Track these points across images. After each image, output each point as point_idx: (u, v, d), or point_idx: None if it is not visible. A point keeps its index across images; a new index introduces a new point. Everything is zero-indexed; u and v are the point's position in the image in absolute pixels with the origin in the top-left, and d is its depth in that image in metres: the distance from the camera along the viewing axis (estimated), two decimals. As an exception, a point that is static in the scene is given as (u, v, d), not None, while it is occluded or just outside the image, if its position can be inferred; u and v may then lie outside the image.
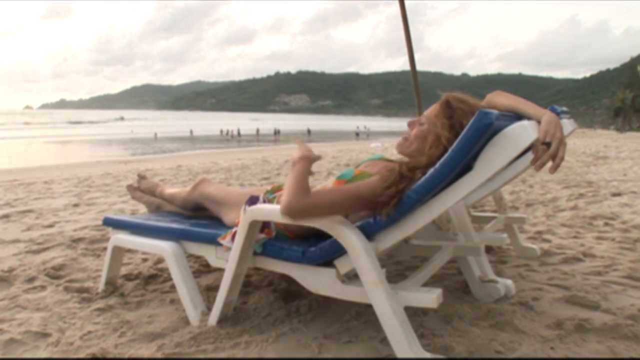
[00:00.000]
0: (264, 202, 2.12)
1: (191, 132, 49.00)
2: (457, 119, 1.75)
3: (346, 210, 1.76)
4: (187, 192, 2.77)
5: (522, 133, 1.52)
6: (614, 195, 5.54)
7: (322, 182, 2.19)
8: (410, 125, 1.95)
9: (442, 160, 1.58)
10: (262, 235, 2.03)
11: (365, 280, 1.69)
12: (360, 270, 1.69)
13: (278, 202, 2.16)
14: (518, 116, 1.84)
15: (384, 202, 1.67)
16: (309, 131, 51.26)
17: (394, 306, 1.66)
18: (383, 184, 1.70)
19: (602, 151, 13.63)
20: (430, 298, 1.67)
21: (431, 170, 1.61)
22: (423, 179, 1.63)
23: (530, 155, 2.37)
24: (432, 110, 1.89)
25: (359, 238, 1.69)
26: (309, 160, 1.89)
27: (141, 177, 3.22)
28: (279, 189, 2.28)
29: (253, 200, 2.08)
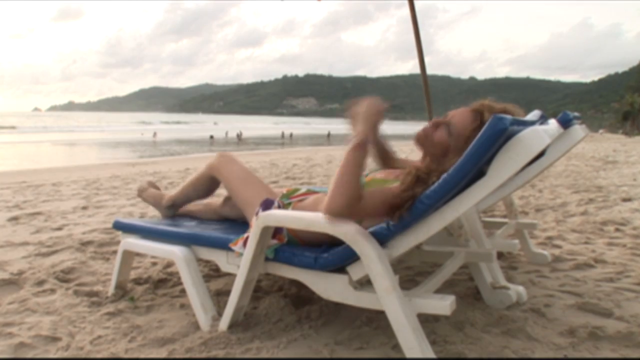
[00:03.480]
0: (279, 207, 2.11)
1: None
2: None
3: (378, 214, 1.73)
4: (205, 168, 2.62)
5: (536, 138, 1.50)
6: (625, 200, 5.50)
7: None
8: (435, 125, 1.87)
9: (455, 166, 1.57)
10: (274, 241, 2.02)
11: (378, 287, 1.68)
12: (373, 277, 1.68)
13: (294, 208, 2.15)
14: (532, 121, 1.83)
15: (398, 205, 1.66)
16: (329, 134, 50.43)
17: (407, 313, 1.65)
18: (401, 187, 1.69)
19: (611, 155, 13.56)
20: (444, 305, 1.65)
21: (444, 176, 1.60)
22: (436, 184, 1.62)
23: (543, 161, 2.37)
24: (463, 122, 1.81)
25: (373, 245, 1.68)
26: (365, 148, 1.73)
27: (151, 185, 3.12)
28: (294, 193, 2.27)
29: (267, 205, 2.07)
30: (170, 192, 2.88)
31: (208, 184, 2.67)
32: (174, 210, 2.90)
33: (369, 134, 1.75)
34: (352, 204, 1.66)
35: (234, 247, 2.09)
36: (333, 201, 1.66)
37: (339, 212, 1.67)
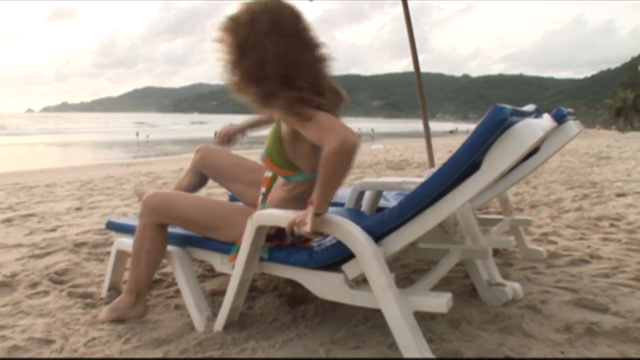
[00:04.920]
0: None
1: None
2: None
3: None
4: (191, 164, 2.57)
5: (529, 131, 1.50)
6: (619, 195, 5.52)
7: None
8: None
9: (452, 156, 1.57)
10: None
11: (374, 286, 1.67)
12: (369, 275, 1.67)
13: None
14: (529, 112, 1.83)
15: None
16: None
17: (403, 311, 1.64)
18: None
19: (604, 151, 13.60)
20: (440, 303, 1.65)
21: (441, 166, 1.60)
22: (433, 174, 1.61)
23: (537, 157, 2.37)
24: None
25: (368, 242, 1.67)
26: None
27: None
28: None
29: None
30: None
31: (162, 233, 2.26)
32: (144, 300, 2.32)
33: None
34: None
35: (232, 262, 2.06)
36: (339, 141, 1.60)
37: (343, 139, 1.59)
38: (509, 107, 1.49)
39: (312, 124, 1.68)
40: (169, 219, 2.19)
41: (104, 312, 2.31)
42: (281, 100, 1.71)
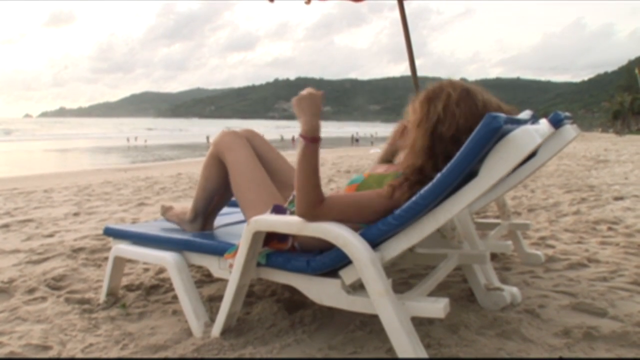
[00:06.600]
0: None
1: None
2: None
3: (357, 219, 1.78)
4: (211, 148, 2.39)
5: (527, 137, 1.50)
6: (616, 199, 5.52)
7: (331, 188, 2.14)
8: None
9: (448, 165, 1.56)
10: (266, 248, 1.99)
11: (371, 291, 1.66)
12: (366, 281, 1.67)
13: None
14: (525, 120, 1.83)
15: (392, 208, 1.71)
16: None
17: (400, 317, 1.63)
18: (392, 191, 1.74)
19: (602, 155, 13.62)
20: (438, 308, 1.64)
21: (438, 176, 1.59)
22: (430, 184, 1.61)
23: (535, 161, 2.36)
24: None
25: (365, 248, 1.67)
26: (311, 141, 1.72)
27: (166, 209, 2.75)
28: None
29: (278, 212, 2.00)
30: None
31: (219, 167, 2.40)
32: (201, 220, 2.57)
33: (312, 123, 1.74)
34: (311, 207, 1.72)
35: (228, 259, 2.06)
36: (297, 205, 1.74)
37: (303, 216, 1.75)
38: (503, 115, 1.48)
39: (372, 195, 1.79)
40: (225, 160, 2.34)
41: (172, 212, 2.65)
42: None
